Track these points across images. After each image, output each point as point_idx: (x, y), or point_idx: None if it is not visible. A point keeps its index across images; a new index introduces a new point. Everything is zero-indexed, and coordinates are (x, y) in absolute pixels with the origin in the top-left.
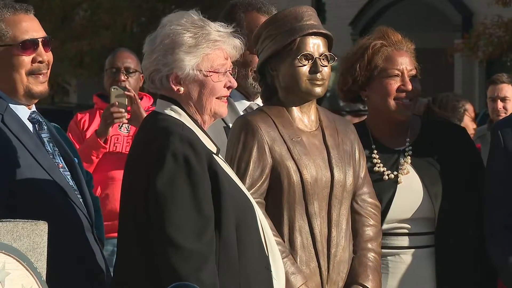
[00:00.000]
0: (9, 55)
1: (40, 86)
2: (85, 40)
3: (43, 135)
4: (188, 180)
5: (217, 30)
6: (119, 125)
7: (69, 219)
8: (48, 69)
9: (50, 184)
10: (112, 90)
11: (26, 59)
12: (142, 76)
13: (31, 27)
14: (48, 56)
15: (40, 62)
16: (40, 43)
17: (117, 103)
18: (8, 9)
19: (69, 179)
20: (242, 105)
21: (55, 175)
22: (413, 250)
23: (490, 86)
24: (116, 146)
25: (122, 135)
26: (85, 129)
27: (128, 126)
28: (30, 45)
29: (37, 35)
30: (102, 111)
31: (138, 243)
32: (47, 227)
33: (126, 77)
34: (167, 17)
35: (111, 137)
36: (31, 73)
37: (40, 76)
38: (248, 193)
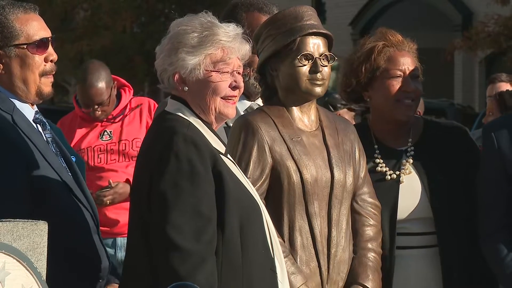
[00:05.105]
0: (24, 54)
1: (49, 87)
2: (85, 40)
3: (46, 135)
4: (189, 181)
5: (224, 30)
6: (100, 134)
7: (79, 220)
8: (55, 69)
9: (60, 184)
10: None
11: (40, 58)
12: (116, 83)
13: (42, 26)
14: (56, 55)
15: (51, 61)
16: (49, 42)
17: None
18: (19, 8)
19: (72, 180)
20: (243, 105)
21: (64, 176)
22: (413, 250)
23: (489, 85)
24: (100, 158)
25: (104, 143)
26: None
27: (110, 132)
28: (43, 44)
29: (46, 34)
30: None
31: (143, 242)
32: (47, 227)
33: (99, 111)
34: (178, 20)
35: (93, 148)
36: (44, 73)
37: (50, 77)
38: (256, 195)
